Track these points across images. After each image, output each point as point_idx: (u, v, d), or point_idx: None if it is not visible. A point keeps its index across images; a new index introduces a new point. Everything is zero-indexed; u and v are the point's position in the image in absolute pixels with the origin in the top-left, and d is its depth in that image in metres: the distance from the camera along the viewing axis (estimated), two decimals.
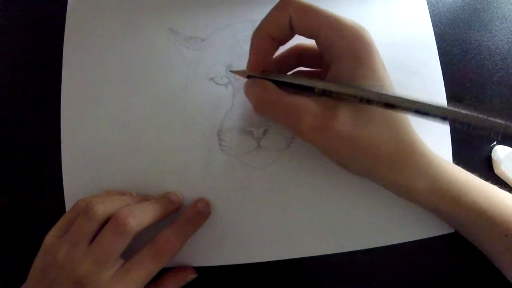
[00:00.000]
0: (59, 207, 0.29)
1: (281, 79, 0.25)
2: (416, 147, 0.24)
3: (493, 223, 0.24)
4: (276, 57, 0.27)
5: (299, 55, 0.27)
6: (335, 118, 0.22)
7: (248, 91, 0.26)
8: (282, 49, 0.26)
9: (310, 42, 0.25)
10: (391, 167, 0.23)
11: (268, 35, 0.24)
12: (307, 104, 0.23)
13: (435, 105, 0.19)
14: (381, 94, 0.21)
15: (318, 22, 0.23)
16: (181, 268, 0.28)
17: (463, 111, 0.19)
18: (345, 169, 0.25)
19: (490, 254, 0.27)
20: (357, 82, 0.22)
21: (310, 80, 0.23)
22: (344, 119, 0.22)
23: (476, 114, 0.19)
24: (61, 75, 0.30)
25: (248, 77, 0.26)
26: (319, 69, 0.28)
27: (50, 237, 0.25)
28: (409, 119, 0.24)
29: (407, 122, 0.24)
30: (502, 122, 0.19)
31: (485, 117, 0.19)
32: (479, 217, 0.25)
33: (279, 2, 0.23)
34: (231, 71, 0.29)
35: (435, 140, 0.25)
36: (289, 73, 0.28)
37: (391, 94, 0.21)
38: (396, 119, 0.23)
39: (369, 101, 0.21)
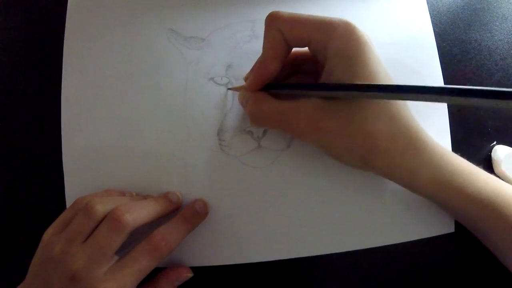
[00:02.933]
0: (59, 207, 0.29)
1: (277, 90, 0.25)
2: (416, 138, 0.23)
3: (498, 214, 0.24)
4: None
5: (294, 62, 0.27)
6: (327, 117, 0.23)
7: (242, 103, 0.27)
8: None
9: (304, 48, 0.25)
10: (390, 159, 0.23)
11: (272, 58, 0.24)
12: (298, 109, 0.24)
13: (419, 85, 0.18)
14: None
15: (307, 29, 0.23)
16: (177, 267, 0.28)
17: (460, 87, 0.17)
18: (346, 165, 0.25)
19: (495, 246, 0.27)
20: (350, 79, 0.22)
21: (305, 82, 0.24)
22: (337, 116, 0.23)
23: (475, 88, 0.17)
24: (61, 75, 0.30)
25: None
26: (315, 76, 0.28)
27: (48, 234, 0.25)
28: (410, 112, 0.24)
29: (406, 113, 0.24)
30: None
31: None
32: (484, 209, 0.24)
33: (267, 21, 0.24)
34: (229, 89, 0.29)
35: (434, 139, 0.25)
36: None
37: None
38: (393, 112, 0.23)
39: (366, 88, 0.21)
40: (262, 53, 0.25)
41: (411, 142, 0.23)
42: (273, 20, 0.24)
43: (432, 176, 0.24)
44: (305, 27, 0.23)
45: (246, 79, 0.27)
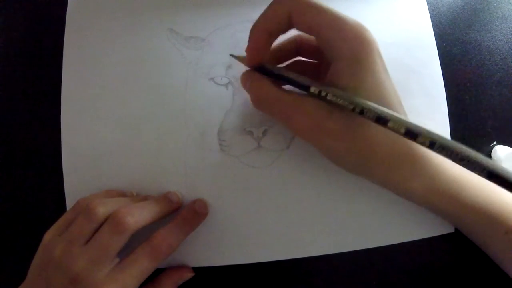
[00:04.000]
0: (59, 207, 0.29)
1: (279, 72, 0.25)
2: (414, 148, 0.23)
3: (492, 220, 0.24)
4: (275, 47, 0.27)
5: (298, 46, 0.27)
6: (329, 118, 0.23)
7: (245, 85, 0.26)
8: (281, 38, 0.26)
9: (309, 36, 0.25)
10: (388, 167, 0.23)
11: (266, 30, 0.23)
12: (302, 104, 0.23)
13: (426, 129, 0.19)
14: (374, 107, 0.20)
15: (319, 21, 0.22)
16: (178, 267, 0.28)
17: (454, 143, 0.18)
18: (341, 168, 0.25)
19: (491, 252, 0.27)
20: (356, 85, 0.22)
21: (307, 80, 0.23)
22: (338, 119, 0.23)
23: (465, 149, 0.18)
24: (61, 75, 0.30)
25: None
26: (318, 62, 0.28)
27: (48, 235, 0.25)
28: (408, 119, 0.24)
29: None
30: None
31: (471, 154, 0.18)
32: (478, 215, 0.24)
33: None
34: (231, 55, 0.28)
35: None
36: (286, 63, 0.28)
37: (384, 110, 0.20)
38: None
39: (361, 112, 0.21)
40: (256, 24, 0.24)
41: (409, 152, 0.23)
42: None
43: (426, 184, 0.24)
44: (318, 17, 0.22)
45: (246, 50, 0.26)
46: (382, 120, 0.20)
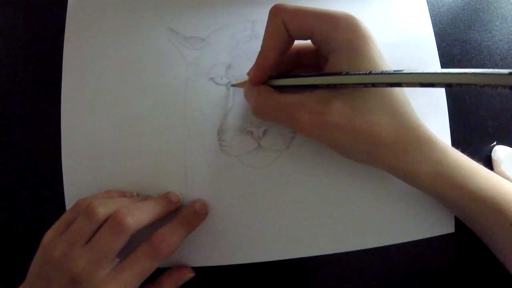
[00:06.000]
0: (59, 207, 0.29)
1: (280, 83, 0.25)
2: (419, 132, 0.24)
3: (498, 210, 0.24)
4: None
5: (296, 55, 0.28)
6: (331, 110, 0.23)
7: (246, 98, 0.27)
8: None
9: (307, 41, 0.25)
10: (394, 153, 0.23)
11: (271, 48, 0.24)
12: (302, 102, 0.24)
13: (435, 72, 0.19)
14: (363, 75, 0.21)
15: (311, 20, 0.23)
16: (179, 268, 0.28)
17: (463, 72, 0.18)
18: (348, 158, 0.25)
19: (493, 243, 0.27)
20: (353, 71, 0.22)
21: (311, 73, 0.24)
22: (341, 109, 0.23)
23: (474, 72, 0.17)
24: (61, 75, 0.30)
25: None
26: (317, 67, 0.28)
27: (48, 236, 0.25)
28: (411, 106, 0.24)
29: (409, 108, 0.24)
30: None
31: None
32: (484, 204, 0.24)
33: (270, 12, 0.24)
34: (233, 85, 0.29)
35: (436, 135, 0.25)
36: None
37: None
38: (396, 106, 0.23)
39: (374, 85, 0.21)
40: (262, 44, 0.25)
41: (414, 136, 0.24)
42: (277, 11, 0.24)
43: (434, 170, 0.24)
44: (309, 18, 0.23)
45: (249, 73, 0.27)
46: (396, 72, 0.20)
